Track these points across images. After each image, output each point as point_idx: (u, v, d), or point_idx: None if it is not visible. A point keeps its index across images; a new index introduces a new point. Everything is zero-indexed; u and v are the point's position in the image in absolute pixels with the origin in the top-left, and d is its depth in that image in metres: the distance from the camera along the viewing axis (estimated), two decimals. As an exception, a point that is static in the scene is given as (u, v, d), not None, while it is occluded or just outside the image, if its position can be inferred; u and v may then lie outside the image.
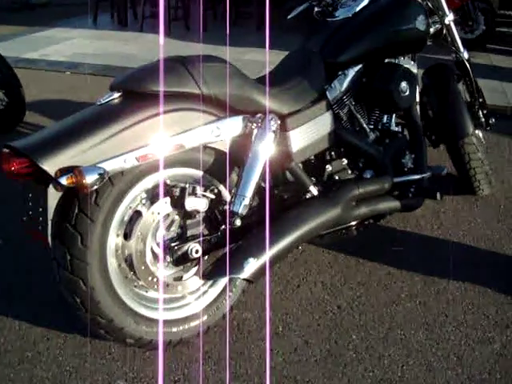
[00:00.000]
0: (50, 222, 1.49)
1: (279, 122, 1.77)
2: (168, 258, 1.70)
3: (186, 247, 1.69)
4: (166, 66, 1.59)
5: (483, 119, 2.60)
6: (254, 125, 1.71)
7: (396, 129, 2.21)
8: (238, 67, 1.74)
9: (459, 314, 1.93)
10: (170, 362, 1.72)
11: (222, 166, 1.70)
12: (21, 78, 3.54)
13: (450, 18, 2.38)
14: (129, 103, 1.56)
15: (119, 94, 1.59)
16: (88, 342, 1.78)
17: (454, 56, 2.53)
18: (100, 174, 1.42)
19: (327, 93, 2.02)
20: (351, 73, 2.09)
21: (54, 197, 1.48)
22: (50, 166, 1.39)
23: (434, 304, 1.98)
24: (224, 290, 1.82)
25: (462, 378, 1.67)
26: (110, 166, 1.45)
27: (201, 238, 1.71)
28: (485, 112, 2.62)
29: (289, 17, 2.32)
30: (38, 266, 2.10)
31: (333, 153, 2.03)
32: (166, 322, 1.71)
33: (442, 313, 1.94)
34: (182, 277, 1.76)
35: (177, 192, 1.66)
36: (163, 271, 1.71)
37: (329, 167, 2.00)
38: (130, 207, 1.63)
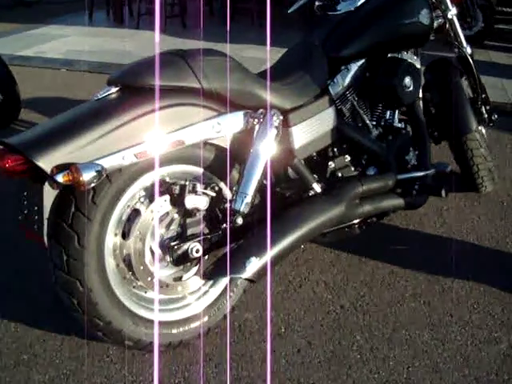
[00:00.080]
0: (45, 221, 1.45)
1: (281, 117, 1.73)
2: (168, 258, 1.65)
3: (186, 246, 1.64)
4: (166, 60, 1.55)
5: (486, 115, 2.57)
6: (256, 120, 1.67)
7: (399, 125, 2.18)
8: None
9: (465, 314, 1.90)
10: (170, 364, 1.68)
11: (223, 163, 1.66)
12: (16, 75, 3.50)
13: (452, 12, 2.35)
14: (127, 98, 1.51)
15: (117, 88, 1.55)
16: (85, 344, 1.74)
17: (457, 51, 2.49)
18: (97, 172, 1.38)
19: (330, 88, 1.99)
20: (354, 67, 2.05)
21: (49, 195, 1.43)
22: (46, 163, 1.34)
23: (438, 303, 1.95)
24: (225, 290, 1.78)
25: (469, 380, 1.63)
26: (108, 163, 1.41)
27: (201, 237, 1.66)
28: (487, 108, 2.58)
29: (289, 11, 2.28)
30: (34, 266, 2.06)
31: (335, 149, 1.99)
32: (166, 324, 1.67)
33: (447, 312, 1.90)
34: (181, 277, 1.72)
35: (176, 190, 1.62)
36: (161, 271, 1.67)
37: (331, 164, 1.97)
38: (129, 205, 1.59)
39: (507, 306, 1.93)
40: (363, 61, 2.07)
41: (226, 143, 1.66)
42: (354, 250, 2.22)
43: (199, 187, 1.64)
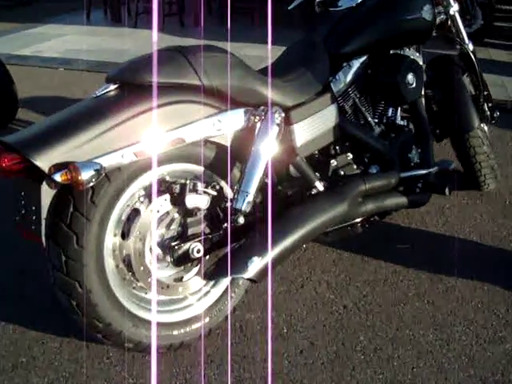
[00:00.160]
0: (43, 222, 1.42)
1: (283, 114, 1.70)
2: (168, 258, 1.63)
3: (186, 246, 1.62)
4: (165, 57, 1.53)
5: (488, 112, 2.55)
6: (257, 118, 1.65)
7: (402, 122, 2.15)
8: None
9: (469, 313, 1.87)
10: (171, 366, 1.66)
11: (224, 161, 1.63)
12: (13, 74, 3.47)
13: (454, 8, 2.33)
14: (126, 95, 1.48)
15: (116, 86, 1.52)
16: (85, 346, 1.72)
17: (459, 48, 2.47)
18: (96, 170, 1.35)
19: (331, 85, 1.96)
20: (356, 64, 2.03)
21: (47, 194, 1.40)
22: (44, 161, 1.31)
23: (442, 303, 1.92)
24: (226, 290, 1.75)
25: (474, 380, 1.61)
26: (107, 162, 1.38)
27: (202, 237, 1.64)
28: (490, 105, 2.56)
29: (289, 7, 2.25)
30: (32, 266, 2.04)
31: (338, 147, 1.97)
32: (167, 325, 1.64)
33: (452, 312, 1.88)
34: (182, 277, 1.69)
35: (177, 189, 1.59)
36: (161, 271, 1.64)
37: (334, 162, 1.94)
38: (128, 205, 1.56)
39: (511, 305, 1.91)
40: (365, 57, 2.05)
41: (226, 141, 1.64)
42: (356, 249, 2.20)
43: (200, 186, 1.61)
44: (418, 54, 2.22)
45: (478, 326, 1.81)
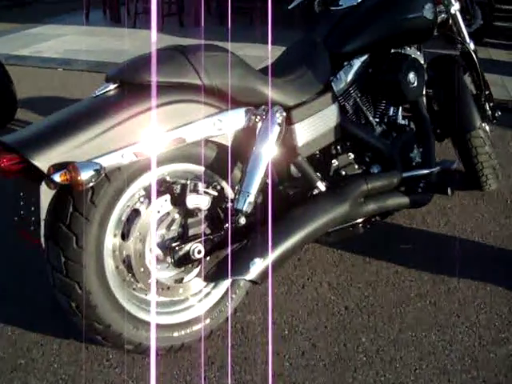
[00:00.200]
0: (42, 222, 1.40)
1: (284, 114, 1.69)
2: (168, 259, 1.61)
3: (187, 247, 1.60)
4: (165, 56, 1.51)
5: (490, 112, 2.54)
6: (258, 117, 1.63)
7: (403, 122, 2.14)
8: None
9: (471, 314, 1.86)
10: (172, 368, 1.64)
11: (225, 161, 1.62)
12: (13, 74, 3.46)
13: (455, 7, 2.32)
14: (126, 95, 1.47)
15: (115, 85, 1.50)
16: (84, 348, 1.70)
17: (460, 47, 2.46)
18: (96, 171, 1.33)
19: (333, 84, 1.95)
20: (357, 63, 2.02)
21: (46, 195, 1.39)
22: (43, 162, 1.30)
23: (444, 304, 1.91)
24: (227, 291, 1.74)
25: (477, 382, 1.60)
26: (107, 162, 1.37)
27: (203, 238, 1.63)
28: (491, 104, 2.55)
29: (290, 7, 2.24)
30: (32, 268, 2.02)
31: (339, 147, 1.96)
32: (167, 327, 1.63)
33: (454, 313, 1.87)
34: (183, 279, 1.68)
35: (177, 189, 1.58)
36: (162, 273, 1.63)
37: (335, 162, 1.93)
38: (128, 206, 1.54)
39: (514, 305, 1.90)
40: (366, 56, 2.04)
41: (227, 141, 1.63)
42: (357, 249, 2.19)
43: (200, 186, 1.60)
44: (419, 54, 2.21)
45: (480, 327, 1.80)
